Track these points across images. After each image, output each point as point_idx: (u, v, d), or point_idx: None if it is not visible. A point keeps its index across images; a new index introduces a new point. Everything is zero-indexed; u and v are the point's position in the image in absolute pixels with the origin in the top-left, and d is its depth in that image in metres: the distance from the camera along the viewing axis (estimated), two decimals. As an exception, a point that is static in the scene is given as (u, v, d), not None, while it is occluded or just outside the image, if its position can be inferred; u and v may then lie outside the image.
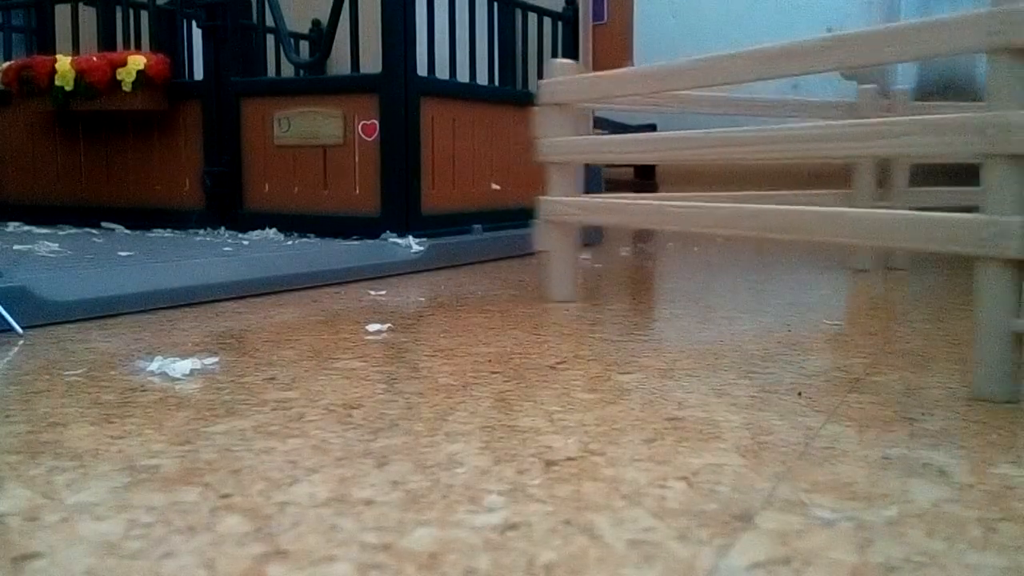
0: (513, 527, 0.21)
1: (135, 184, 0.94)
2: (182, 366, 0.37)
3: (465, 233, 0.82)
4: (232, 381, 0.35)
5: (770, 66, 0.48)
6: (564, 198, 0.59)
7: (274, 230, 0.83)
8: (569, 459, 0.26)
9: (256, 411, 0.31)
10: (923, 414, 0.31)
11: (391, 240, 0.76)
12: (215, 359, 0.39)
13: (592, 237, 1.03)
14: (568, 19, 1.07)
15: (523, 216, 0.85)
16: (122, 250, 0.66)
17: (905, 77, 1.03)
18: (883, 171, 0.75)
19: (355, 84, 0.80)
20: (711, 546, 0.20)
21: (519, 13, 1.01)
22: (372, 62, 0.80)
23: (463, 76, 0.89)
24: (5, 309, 0.45)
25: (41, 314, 0.48)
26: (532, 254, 0.90)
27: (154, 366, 0.37)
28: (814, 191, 0.77)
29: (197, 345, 0.43)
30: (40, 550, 0.19)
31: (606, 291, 0.64)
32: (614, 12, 1.27)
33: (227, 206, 0.88)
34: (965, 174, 0.54)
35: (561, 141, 0.58)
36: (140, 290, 0.53)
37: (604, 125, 1.04)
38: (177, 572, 0.18)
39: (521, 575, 0.18)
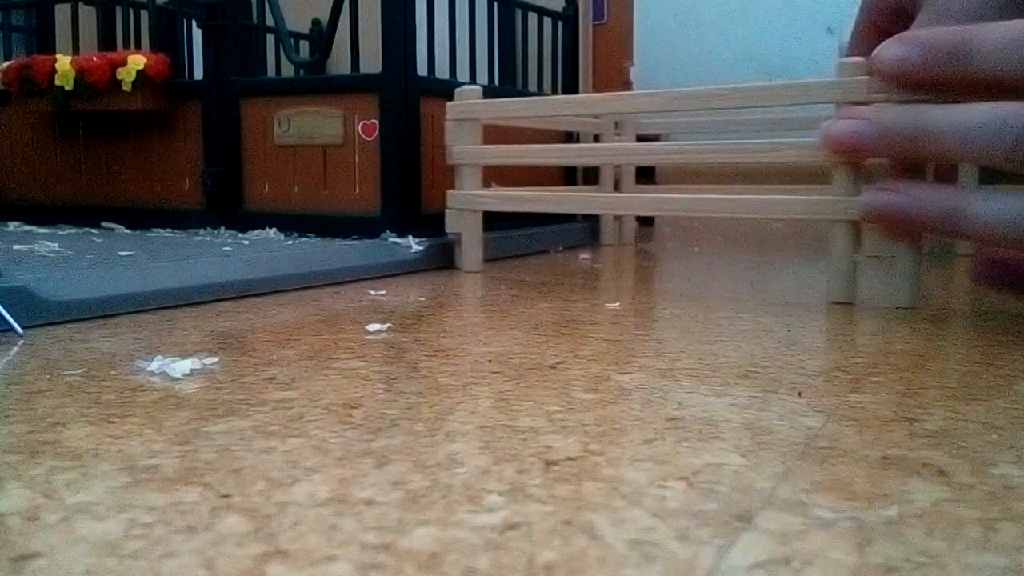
0: (513, 527, 0.21)
1: (135, 184, 0.94)
2: (182, 366, 0.37)
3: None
4: (232, 381, 0.35)
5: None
6: (470, 192, 0.73)
7: (274, 230, 0.83)
8: (569, 459, 0.26)
9: (256, 411, 0.31)
10: (923, 414, 0.31)
11: (391, 240, 0.76)
12: (215, 359, 0.39)
13: (582, 237, 1.03)
14: (568, 19, 1.07)
15: (522, 216, 0.85)
16: (122, 250, 0.66)
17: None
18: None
19: (355, 84, 0.80)
20: (711, 546, 0.20)
21: (519, 13, 1.01)
22: (372, 62, 0.80)
23: (463, 76, 0.89)
24: (5, 309, 0.45)
25: (41, 314, 0.48)
26: (532, 253, 0.90)
27: (154, 366, 0.37)
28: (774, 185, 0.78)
29: (197, 345, 0.43)
30: (40, 550, 0.19)
31: (605, 291, 0.64)
32: (614, 12, 1.27)
33: (227, 206, 0.88)
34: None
35: (467, 148, 0.73)
36: (140, 290, 0.53)
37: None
38: (177, 572, 0.18)
39: (521, 575, 0.18)
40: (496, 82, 0.97)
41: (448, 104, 0.74)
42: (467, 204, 0.74)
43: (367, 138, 0.80)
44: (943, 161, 0.50)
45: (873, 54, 0.51)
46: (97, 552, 0.19)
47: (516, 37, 1.01)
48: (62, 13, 1.00)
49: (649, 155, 0.76)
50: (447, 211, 0.75)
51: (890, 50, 0.49)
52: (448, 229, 0.75)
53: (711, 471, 0.25)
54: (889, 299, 0.57)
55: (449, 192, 0.75)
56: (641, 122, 1.01)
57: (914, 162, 0.51)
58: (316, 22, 1.23)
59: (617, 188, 1.00)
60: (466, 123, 0.73)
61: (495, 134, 0.80)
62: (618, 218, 1.03)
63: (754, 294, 0.62)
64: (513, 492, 0.23)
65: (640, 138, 1.01)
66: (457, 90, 0.74)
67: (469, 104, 0.73)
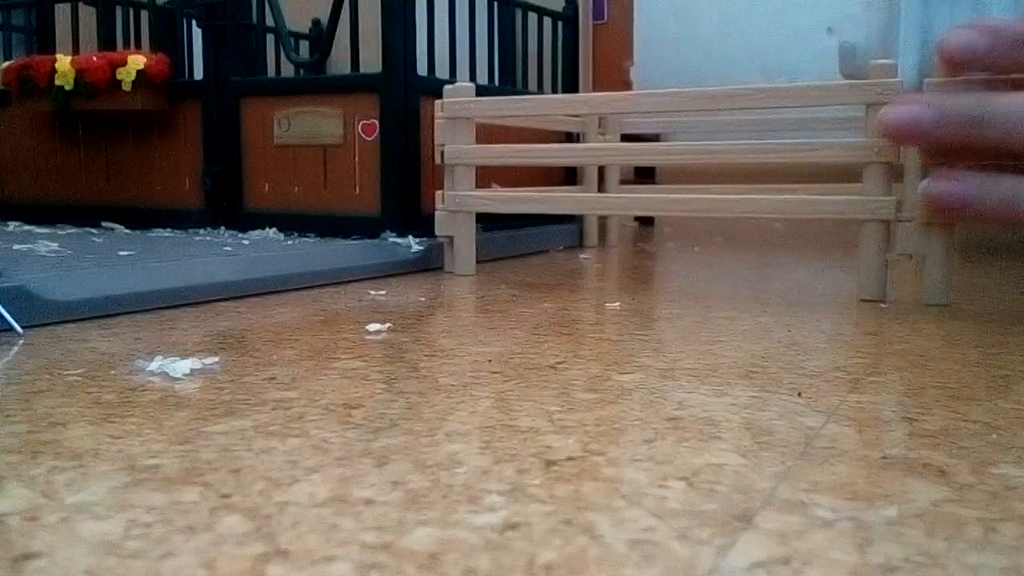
0: (513, 527, 0.21)
1: (135, 184, 0.94)
2: (182, 366, 0.37)
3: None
4: (232, 381, 0.35)
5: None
6: (464, 192, 0.71)
7: (274, 230, 0.83)
8: (569, 459, 0.26)
9: (256, 411, 0.31)
10: (923, 414, 0.31)
11: (391, 240, 0.76)
12: (215, 359, 0.39)
13: (573, 239, 1.03)
14: (568, 18, 1.07)
15: (523, 215, 0.85)
16: (122, 250, 0.66)
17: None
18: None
19: (355, 84, 0.80)
20: (711, 546, 0.20)
21: (519, 13, 1.01)
22: (372, 62, 0.80)
23: (463, 76, 0.89)
24: (5, 309, 0.45)
25: (41, 314, 0.48)
26: (532, 253, 0.90)
27: (154, 366, 0.37)
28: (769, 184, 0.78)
29: (197, 345, 0.43)
30: (40, 550, 0.19)
31: (605, 291, 0.64)
32: (614, 11, 1.27)
33: (227, 206, 0.87)
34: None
35: (460, 148, 0.71)
36: (140, 290, 0.53)
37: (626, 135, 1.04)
38: (177, 572, 0.18)
39: (521, 575, 0.18)
40: (496, 82, 0.97)
41: (437, 102, 0.72)
42: (460, 205, 0.72)
43: (367, 138, 0.80)
44: (1006, 146, 0.47)
45: (941, 39, 0.49)
46: (97, 552, 0.19)
47: (516, 37, 1.01)
48: (62, 13, 1.00)
49: (646, 155, 0.76)
50: (437, 213, 0.73)
51: (958, 35, 0.48)
52: (438, 231, 0.73)
53: (711, 471, 0.25)
54: (920, 297, 0.57)
55: (439, 193, 0.73)
56: (632, 121, 1.01)
57: (972, 149, 0.49)
58: (316, 22, 1.23)
59: (602, 188, 0.99)
60: (458, 122, 0.71)
61: (497, 135, 0.80)
62: (604, 219, 1.03)
63: (754, 294, 0.62)
64: (513, 492, 0.23)
65: (628, 138, 1.00)
66: (447, 87, 0.72)
67: (461, 102, 0.71)
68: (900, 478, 0.24)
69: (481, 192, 0.73)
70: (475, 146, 0.72)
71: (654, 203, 0.75)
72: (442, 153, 0.72)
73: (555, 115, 0.86)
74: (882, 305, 0.57)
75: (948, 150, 0.50)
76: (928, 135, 0.49)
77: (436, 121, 0.72)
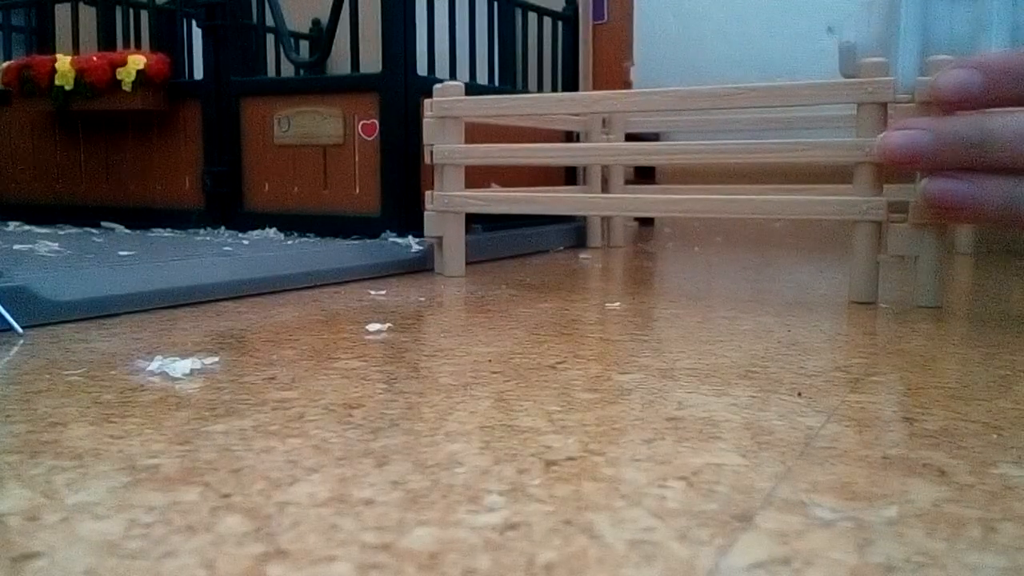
0: (513, 527, 0.21)
1: (135, 184, 0.95)
2: (182, 366, 0.37)
3: (465, 233, 0.82)
4: (232, 381, 0.35)
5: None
6: (453, 193, 0.70)
7: (274, 230, 0.83)
8: (569, 459, 0.26)
9: (256, 411, 0.31)
10: (923, 414, 0.31)
11: (391, 240, 0.76)
12: (215, 359, 0.39)
13: (585, 237, 1.03)
14: (568, 18, 1.07)
15: (523, 215, 0.85)
16: (122, 250, 0.66)
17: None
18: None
19: (355, 84, 0.80)
20: (711, 546, 0.20)
21: (519, 13, 1.01)
22: (372, 62, 0.80)
23: (463, 76, 0.89)
24: (5, 309, 0.45)
25: (41, 314, 0.48)
26: (532, 253, 0.90)
27: (154, 366, 0.37)
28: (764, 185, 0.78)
29: (197, 345, 0.43)
30: (40, 550, 0.19)
31: (605, 291, 0.64)
32: (614, 11, 1.27)
33: (227, 206, 0.88)
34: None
35: (449, 147, 0.70)
36: (140, 290, 0.53)
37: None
38: (177, 572, 0.18)
39: (521, 575, 0.18)
40: (496, 82, 0.97)
41: (427, 101, 0.71)
42: (449, 206, 0.71)
43: (367, 138, 0.80)
44: (1007, 165, 0.47)
45: (933, 79, 0.50)
46: (97, 552, 0.19)
47: (516, 37, 1.01)
48: (62, 13, 1.00)
49: (645, 155, 0.76)
50: (426, 213, 0.72)
51: (951, 76, 0.48)
52: (427, 232, 0.72)
53: (711, 471, 0.25)
54: (913, 299, 0.57)
55: (428, 193, 0.72)
56: (631, 120, 1.00)
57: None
58: (316, 22, 1.23)
59: (607, 189, 0.99)
60: (447, 121, 0.70)
61: (501, 135, 0.80)
62: (607, 219, 1.02)
63: (755, 294, 0.62)
64: (513, 492, 0.23)
65: (631, 137, 1.00)
66: (437, 86, 0.71)
67: (449, 101, 0.70)
68: (900, 478, 0.24)
69: (471, 192, 0.72)
70: (464, 146, 0.71)
71: (654, 203, 0.75)
72: (431, 152, 0.71)
73: (546, 114, 0.86)
74: (882, 306, 0.57)
75: (948, 168, 0.50)
76: (927, 160, 0.50)
77: (424, 120, 0.71)
